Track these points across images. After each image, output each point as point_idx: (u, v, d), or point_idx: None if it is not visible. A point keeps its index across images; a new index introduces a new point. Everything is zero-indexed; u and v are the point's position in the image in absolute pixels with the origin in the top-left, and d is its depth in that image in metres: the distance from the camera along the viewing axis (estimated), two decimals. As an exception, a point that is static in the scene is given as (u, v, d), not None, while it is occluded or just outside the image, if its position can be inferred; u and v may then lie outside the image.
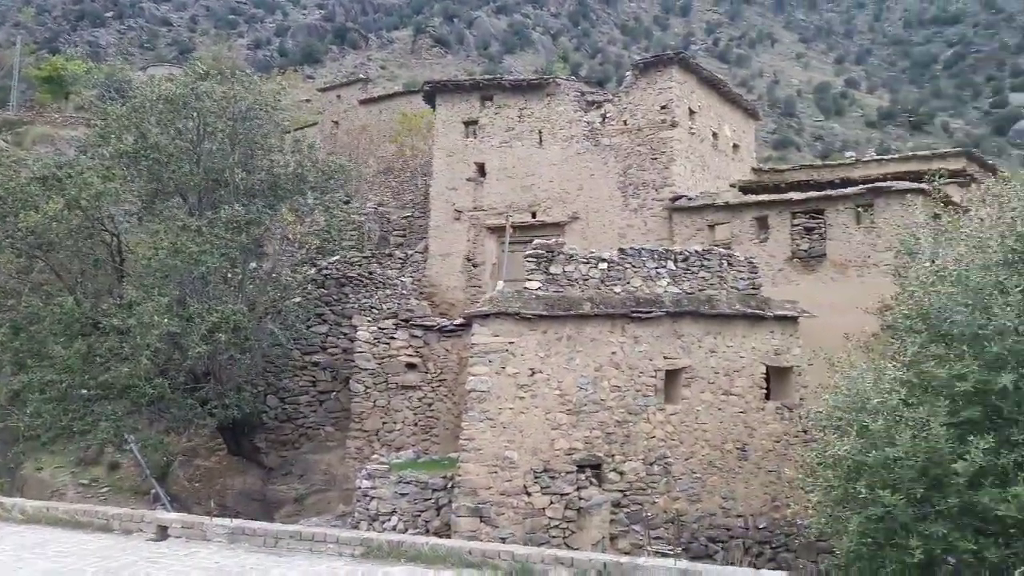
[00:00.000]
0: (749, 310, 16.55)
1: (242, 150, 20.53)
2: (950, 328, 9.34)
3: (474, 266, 26.71)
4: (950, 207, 21.57)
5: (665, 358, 16.06)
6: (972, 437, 8.22)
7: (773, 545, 16.12)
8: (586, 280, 16.00)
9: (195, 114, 19.49)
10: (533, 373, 15.40)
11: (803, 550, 16.21)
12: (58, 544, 10.48)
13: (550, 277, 15.91)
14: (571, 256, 16.09)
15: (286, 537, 10.27)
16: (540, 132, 26.51)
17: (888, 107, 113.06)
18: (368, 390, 21.62)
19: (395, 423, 21.51)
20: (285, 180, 21.11)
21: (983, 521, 8.46)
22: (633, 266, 16.24)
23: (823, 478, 9.58)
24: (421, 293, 26.10)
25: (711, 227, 23.74)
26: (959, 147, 27.53)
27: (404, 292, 24.49)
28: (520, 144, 26.65)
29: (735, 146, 28.85)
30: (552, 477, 15.25)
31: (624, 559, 8.82)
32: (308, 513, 20.92)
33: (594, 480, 15.43)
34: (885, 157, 27.56)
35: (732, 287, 16.78)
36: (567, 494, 15.19)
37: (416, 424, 21.45)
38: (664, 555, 9.30)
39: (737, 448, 16.27)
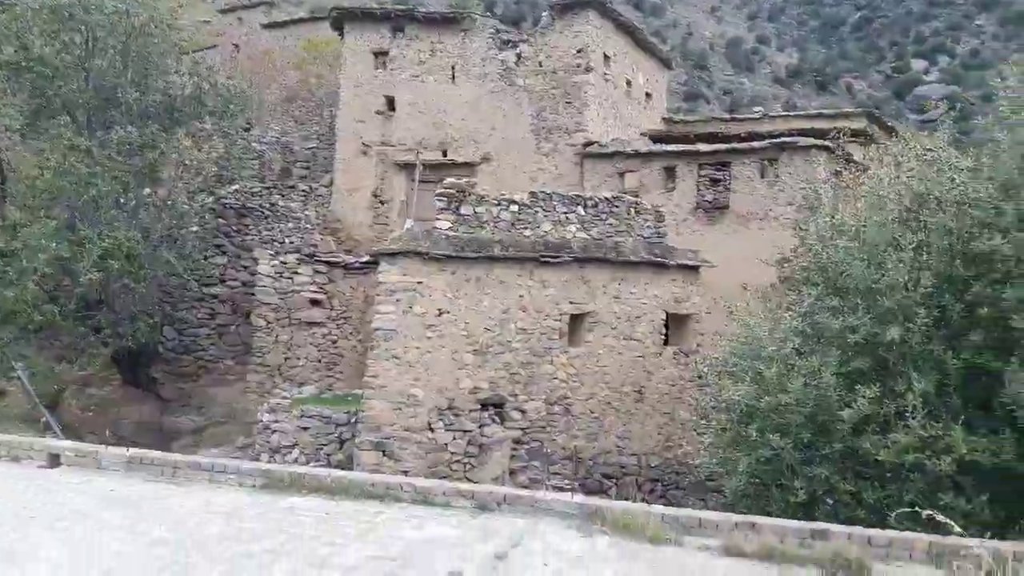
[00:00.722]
0: (654, 258, 16.89)
1: (135, 69, 19.45)
2: (845, 281, 9.76)
3: (381, 203, 26.31)
4: (850, 165, 22.47)
5: (571, 303, 16.28)
6: (859, 386, 8.67)
7: (664, 483, 16.76)
8: (496, 222, 15.99)
9: (83, 27, 18.29)
10: (440, 313, 15.40)
11: (692, 488, 16.90)
12: (-65, 473, 10.03)
13: (460, 218, 15.82)
14: (482, 198, 16.03)
15: (184, 467, 10.06)
16: (453, 68, 26.03)
17: (796, 65, 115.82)
18: (270, 325, 21.22)
19: (298, 359, 21.22)
20: (182, 103, 20.20)
21: (863, 465, 9.00)
22: (544, 210, 16.30)
23: (716, 421, 9.99)
24: (326, 228, 25.56)
25: (621, 175, 23.98)
26: (862, 108, 28.44)
27: (308, 226, 23.94)
28: (432, 79, 26.14)
29: (647, 95, 29.05)
30: (456, 415, 15.40)
31: (524, 492, 9.02)
32: (207, 445, 20.56)
33: (496, 418, 15.66)
34: (791, 114, 28.28)
35: (638, 235, 17.07)
36: (470, 431, 15.38)
37: (320, 361, 21.23)
38: (561, 489, 9.58)
39: (634, 391, 16.73)
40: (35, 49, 17.14)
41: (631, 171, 23.83)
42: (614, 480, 16.35)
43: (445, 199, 15.84)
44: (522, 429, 15.79)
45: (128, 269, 16.84)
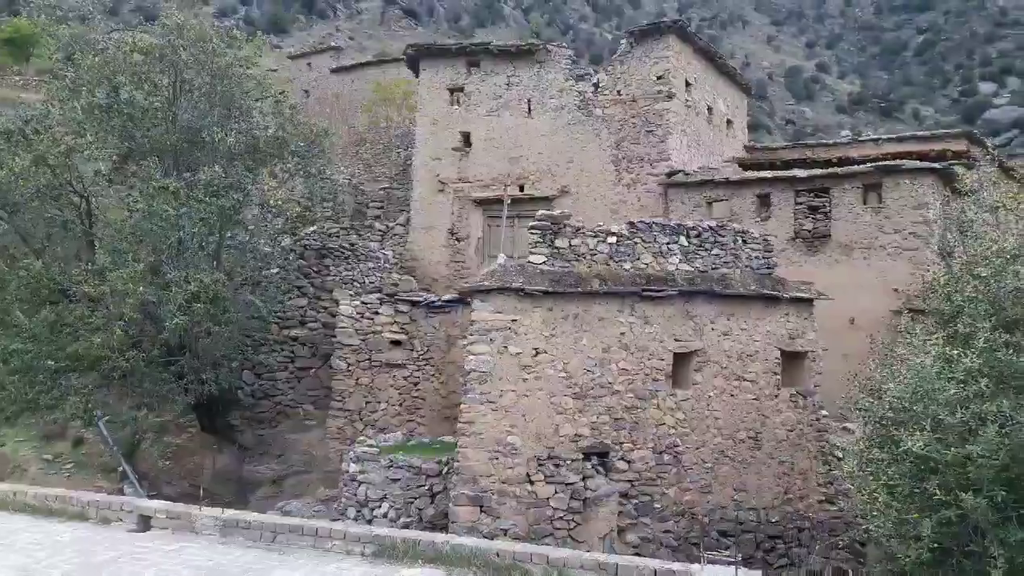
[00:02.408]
0: (764, 291, 15.69)
1: (220, 110, 19.12)
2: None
3: (458, 240, 25.60)
4: (957, 189, 21.01)
5: (676, 340, 15.14)
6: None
7: (786, 540, 15.37)
8: (594, 255, 14.99)
9: (171, 68, 18.02)
10: (537, 353, 14.39)
11: (815, 544, 15.51)
12: (29, 534, 9.31)
13: (555, 251, 14.86)
14: (578, 229, 15.06)
15: (286, 531, 9.21)
16: (529, 101, 25.38)
17: (859, 92, 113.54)
18: (350, 367, 20.46)
19: (379, 403, 20.39)
20: (265, 143, 19.78)
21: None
22: (644, 241, 15.26)
23: (885, 475, 8.72)
24: (403, 267, 24.94)
25: (709, 204, 22.90)
26: (959, 129, 26.92)
27: (386, 266, 23.30)
28: (508, 113, 25.50)
29: (729, 122, 28.01)
30: (556, 465, 14.29)
31: (676, 566, 7.90)
32: (286, 495, 19.78)
33: (600, 469, 14.50)
34: (883, 137, 26.87)
35: (746, 266, 15.90)
36: (572, 483, 14.24)
37: (401, 404, 20.36)
38: (718, 561, 8.45)
39: (750, 437, 15.45)
40: (125, 91, 16.84)
41: (720, 200, 22.72)
42: (732, 538, 15.02)
43: (539, 232, 14.91)
44: (629, 481, 14.60)
45: (213, 313, 16.24)
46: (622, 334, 14.82)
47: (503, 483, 14.03)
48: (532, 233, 14.97)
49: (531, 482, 14.16)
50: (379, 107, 40.65)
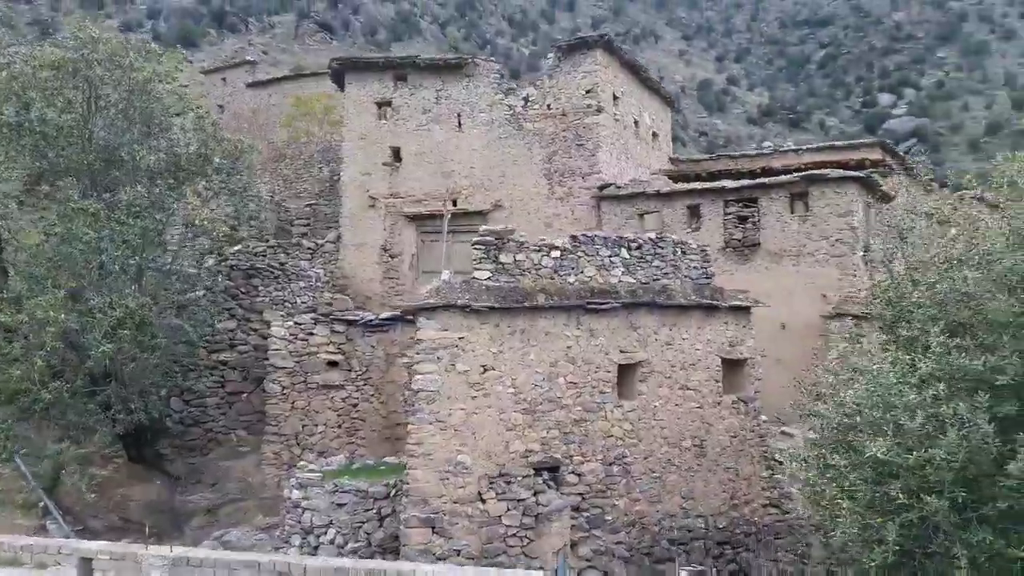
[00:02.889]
0: (704, 301, 15.88)
1: (140, 127, 18.38)
2: (974, 317, 8.76)
3: (391, 257, 25.22)
4: (878, 196, 21.78)
5: (621, 352, 15.18)
6: (1020, 434, 7.61)
7: (733, 545, 15.53)
8: (538, 269, 14.91)
9: (85, 83, 17.20)
10: (485, 370, 14.21)
11: (761, 548, 15.72)
12: (-45, 588, 8.62)
13: (500, 266, 14.73)
14: (522, 244, 14.96)
15: (241, 568, 8.77)
16: (459, 115, 25.25)
17: (768, 104, 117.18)
18: (285, 391, 19.88)
19: (316, 425, 19.86)
20: (187, 161, 19.08)
21: (1028, 524, 7.91)
22: (587, 254, 15.27)
23: (847, 481, 8.82)
24: (334, 285, 24.41)
25: (641, 216, 23.16)
26: (874, 140, 27.95)
27: (318, 284, 22.77)
28: (438, 128, 25.30)
29: (654, 134, 28.44)
30: (508, 482, 14.11)
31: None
32: (223, 524, 19.02)
33: (551, 483, 14.38)
34: (803, 148, 27.65)
35: (686, 276, 16.07)
36: (524, 500, 14.08)
37: (340, 426, 19.88)
38: (694, 572, 8.35)
39: (695, 445, 15.58)
40: (36, 109, 15.97)
41: (652, 212, 23.00)
42: (683, 546, 15.09)
43: (483, 247, 14.75)
44: (580, 494, 14.53)
45: (140, 339, 15.51)
46: (568, 347, 14.77)
47: (454, 503, 13.79)
48: (476, 249, 14.80)
49: (483, 500, 13.95)
50: (299, 122, 39.91)
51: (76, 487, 20.80)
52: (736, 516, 15.77)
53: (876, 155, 25.50)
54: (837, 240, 20.45)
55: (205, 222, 17.70)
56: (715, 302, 15.95)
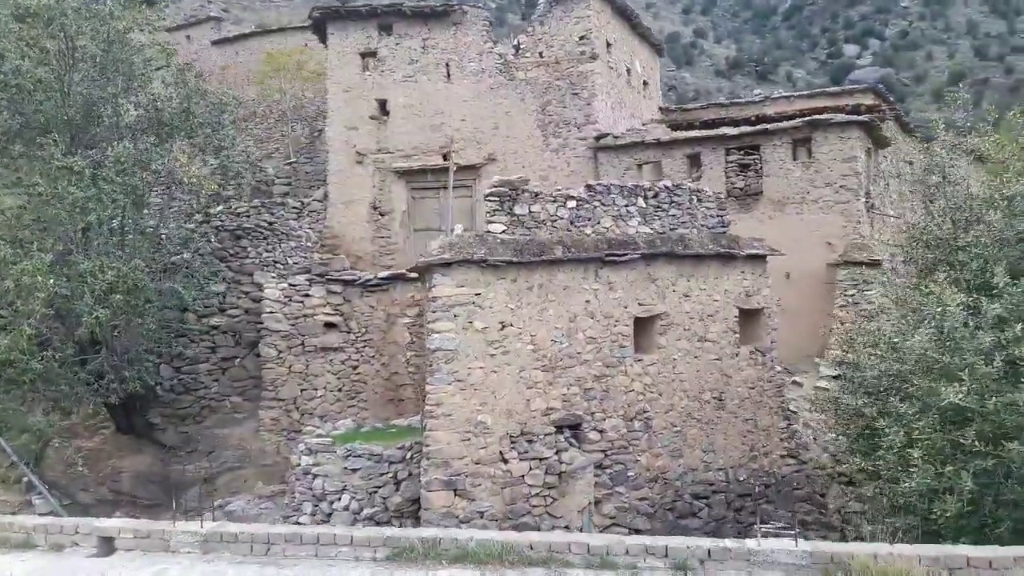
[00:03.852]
0: (722, 250, 15.42)
1: (121, 80, 17.33)
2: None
3: (381, 215, 24.43)
4: (878, 141, 21.42)
5: (640, 304, 14.70)
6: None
7: (754, 497, 15.28)
8: (554, 221, 14.33)
9: (61, 33, 16.07)
10: (503, 327, 13.65)
11: (781, 500, 15.50)
12: (-31, 573, 7.96)
13: (515, 219, 14.11)
14: (537, 195, 14.35)
15: (280, 541, 8.21)
16: (447, 65, 24.36)
17: (735, 57, 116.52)
18: (281, 354, 19.23)
19: (315, 389, 19.28)
20: (171, 116, 18.07)
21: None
22: (603, 204, 14.69)
23: (916, 429, 8.44)
24: (323, 245, 23.62)
25: (639, 166, 22.62)
26: (864, 84, 27.55)
27: (308, 244, 21.98)
28: (426, 79, 24.41)
29: (645, 83, 27.76)
30: (530, 441, 13.66)
31: (732, 544, 7.38)
32: (222, 494, 18.42)
33: (573, 441, 13.97)
34: (794, 95, 27.25)
35: (702, 225, 15.59)
36: (547, 458, 13.65)
37: (340, 390, 19.31)
38: (772, 532, 7.98)
39: (714, 397, 15.23)
40: (10, 61, 14.85)
41: (651, 162, 22.44)
42: (704, 500, 14.80)
43: (497, 199, 14.11)
44: (602, 451, 14.13)
45: (133, 304, 14.69)
46: (587, 301, 14.26)
47: (476, 464, 13.32)
48: (490, 201, 14.17)
49: (505, 460, 13.50)
50: (271, 79, 38.52)
51: (60, 460, 20.09)
52: (755, 468, 15.51)
53: (870, 100, 25.11)
54: (841, 187, 20.09)
55: (193, 179, 16.76)
56: (732, 251, 15.50)
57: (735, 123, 23.55)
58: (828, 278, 19.80)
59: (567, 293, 14.14)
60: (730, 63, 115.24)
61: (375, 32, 24.59)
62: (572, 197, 14.50)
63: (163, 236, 18.01)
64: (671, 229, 15.19)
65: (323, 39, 25.56)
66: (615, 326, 14.45)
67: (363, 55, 24.65)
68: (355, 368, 19.36)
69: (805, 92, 27.49)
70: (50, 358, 14.22)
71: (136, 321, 15.49)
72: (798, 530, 8.32)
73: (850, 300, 18.83)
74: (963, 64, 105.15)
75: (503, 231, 13.98)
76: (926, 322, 8.91)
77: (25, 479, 19.13)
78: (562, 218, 14.37)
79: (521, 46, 23.98)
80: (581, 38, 23.39)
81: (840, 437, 12.83)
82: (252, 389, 20.18)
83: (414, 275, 19.53)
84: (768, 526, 7.50)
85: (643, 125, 25.28)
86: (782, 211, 20.69)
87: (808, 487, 15.99)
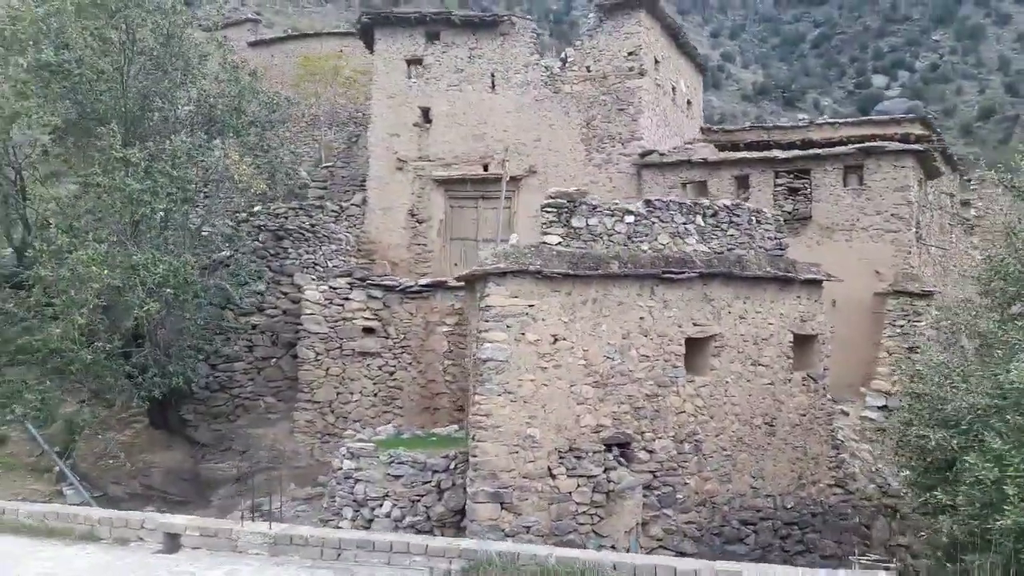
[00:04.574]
0: (779, 273, 15.19)
1: (177, 74, 17.30)
2: None
3: (419, 222, 24.28)
4: (928, 171, 21.16)
5: (695, 325, 14.47)
6: None
7: (801, 526, 14.97)
8: (611, 236, 14.14)
9: (124, 25, 16.05)
10: (555, 340, 13.45)
11: (828, 530, 15.19)
12: (37, 561, 7.78)
13: (572, 231, 13.94)
14: (595, 207, 14.18)
15: (352, 547, 8.00)
16: (493, 76, 24.24)
17: (762, 82, 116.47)
18: (319, 357, 19.08)
19: (351, 393, 19.10)
20: (223, 112, 18.04)
21: None
22: (660, 220, 14.50)
23: (1012, 465, 8.16)
24: (359, 250, 23.53)
25: (684, 185, 22.39)
26: (912, 113, 27.33)
27: (348, 248, 21.89)
28: (471, 88, 24.30)
29: (688, 102, 27.60)
30: (578, 457, 13.43)
31: (824, 573, 7.12)
32: (254, 494, 18.25)
33: (622, 460, 13.71)
34: (839, 121, 27.05)
35: (759, 247, 15.36)
36: (595, 476, 13.40)
37: (376, 395, 19.12)
38: (869, 564, 7.65)
39: (765, 423, 14.95)
40: (77, 48, 14.79)
41: (696, 181, 22.23)
42: (752, 526, 14.51)
43: (554, 210, 13.95)
44: (651, 472, 13.88)
45: (183, 298, 14.57)
46: (641, 319, 14.05)
47: (524, 478, 13.10)
48: (547, 212, 14.01)
49: (552, 476, 13.28)
50: (307, 83, 38.63)
51: (90, 452, 19.96)
52: (803, 496, 15.21)
53: (918, 130, 24.84)
54: (892, 215, 19.81)
55: (244, 177, 16.67)
56: (790, 274, 15.27)
57: (782, 146, 23.31)
58: (875, 307, 19.49)
59: (621, 309, 13.93)
60: (757, 88, 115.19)
61: (422, 39, 24.55)
62: (630, 212, 14.33)
63: (206, 233, 17.92)
64: (728, 249, 14.98)
65: (369, 44, 25.55)
66: (668, 345, 14.23)
67: (409, 62, 24.59)
68: (392, 374, 19.18)
69: (851, 120, 27.31)
70: (99, 349, 14.07)
71: (183, 316, 15.35)
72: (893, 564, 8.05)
73: (899, 331, 18.52)
74: (993, 99, 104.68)
75: (559, 243, 13.81)
76: (1019, 356, 8.65)
77: (57, 469, 19.05)
78: (619, 232, 14.18)
79: (568, 59, 23.86)
80: (630, 54, 23.25)
81: (903, 470, 12.51)
82: (287, 390, 20.04)
83: (454, 284, 19.45)
84: (865, 558, 7.19)
85: (687, 144, 25.08)
86: (830, 237, 20.41)
87: (854, 518, 15.67)
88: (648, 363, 14.02)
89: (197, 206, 18.10)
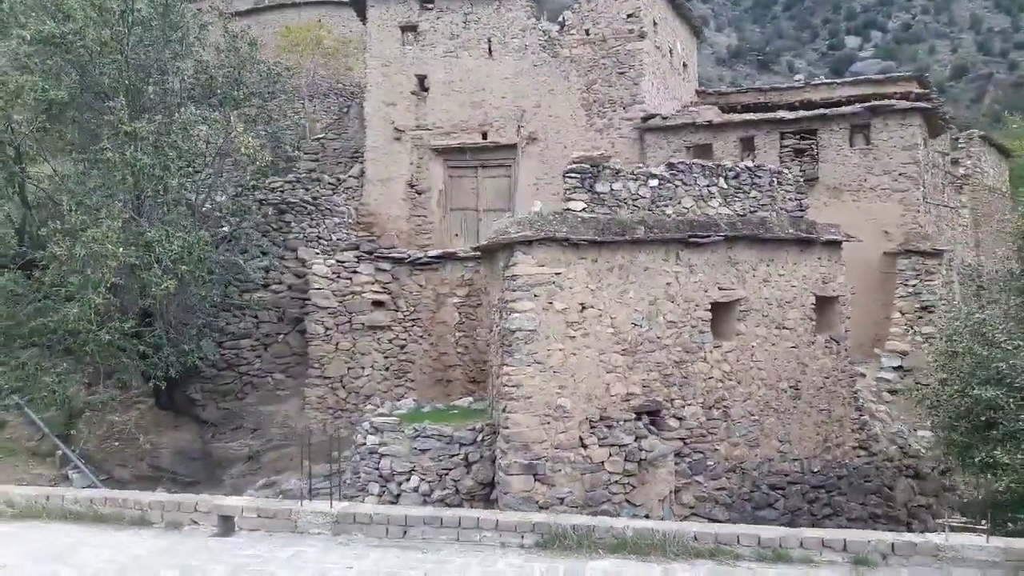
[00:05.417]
0: (801, 234, 15.07)
1: (174, 46, 16.71)
2: None
3: (418, 193, 23.86)
4: (932, 130, 21.09)
5: (720, 289, 14.33)
6: None
7: (827, 489, 15.00)
8: (635, 200, 13.90)
9: (117, -1, 15.40)
10: (583, 308, 13.24)
11: (853, 492, 15.24)
12: (92, 549, 7.51)
13: (596, 197, 13.67)
14: (618, 172, 13.91)
15: (419, 524, 7.80)
16: (490, 41, 23.74)
17: (736, 46, 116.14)
18: (328, 331, 18.78)
19: (362, 368, 18.85)
20: (223, 83, 17.48)
21: None
22: (684, 184, 14.29)
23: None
24: (359, 223, 23.07)
25: (688, 148, 22.15)
26: (910, 72, 27.24)
27: (350, 220, 21.48)
28: (467, 54, 23.80)
29: (684, 65, 27.30)
30: (609, 426, 13.28)
31: (915, 537, 7.03)
32: (266, 472, 18.05)
33: (652, 428, 13.60)
34: (836, 81, 26.93)
35: (781, 208, 15.21)
36: (626, 445, 13.28)
37: (387, 369, 18.89)
38: (959, 527, 7.59)
39: (791, 386, 14.90)
40: (77, 21, 14.16)
41: (702, 144, 22.01)
42: (780, 491, 14.50)
43: (577, 176, 13.67)
44: (681, 439, 13.77)
45: (198, 275, 14.16)
46: (668, 284, 13.88)
47: (556, 448, 12.94)
48: (570, 178, 13.72)
49: (584, 446, 13.12)
50: (288, 53, 37.75)
51: (93, 435, 19.57)
52: (829, 459, 15.23)
53: (916, 88, 24.75)
54: (900, 175, 19.76)
55: (249, 150, 16.18)
56: (811, 236, 15.16)
57: (782, 108, 23.12)
58: (885, 267, 19.48)
59: (648, 275, 13.74)
60: (732, 52, 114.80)
61: (416, 5, 23.95)
62: (654, 175, 14.10)
63: (210, 208, 17.46)
64: (751, 211, 14.82)
65: (360, 12, 24.90)
66: (695, 310, 14.09)
67: (403, 28, 24.01)
68: (403, 347, 18.94)
69: (848, 79, 27.22)
70: (116, 329, 13.65)
71: (198, 294, 14.94)
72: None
73: (911, 290, 18.54)
74: (966, 59, 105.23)
75: (583, 209, 13.55)
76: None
77: (60, 452, 18.66)
78: (643, 197, 13.95)
79: (567, 22, 23.43)
80: (629, 16, 22.86)
81: (939, 430, 12.52)
82: (295, 366, 19.73)
83: (464, 254, 19.17)
84: (953, 520, 7.14)
85: (688, 107, 24.84)
86: (838, 198, 20.33)
87: (877, 479, 15.73)
88: (675, 329, 13.88)
89: (206, 180, 17.61)
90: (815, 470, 14.98)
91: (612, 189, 13.78)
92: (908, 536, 7.10)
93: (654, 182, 14.02)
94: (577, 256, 13.24)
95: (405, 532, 7.75)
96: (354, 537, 7.77)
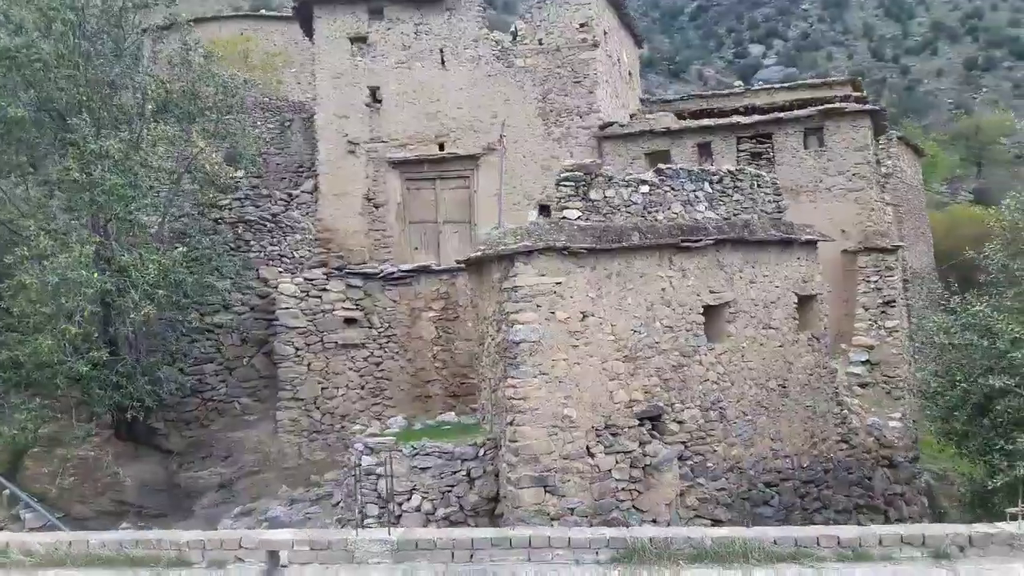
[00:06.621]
0: (783, 235, 15.36)
1: (126, 61, 15.96)
2: None
3: (376, 207, 23.40)
4: (880, 129, 21.87)
5: (711, 292, 14.46)
6: None
7: (816, 484, 15.28)
8: (628, 207, 13.91)
9: (71, 8, 14.59)
10: (584, 317, 13.16)
11: (838, 485, 15.58)
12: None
13: (590, 204, 13.63)
14: (610, 179, 13.90)
15: (487, 546, 7.51)
16: (442, 51, 23.52)
17: (648, 56, 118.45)
18: (299, 352, 18.23)
19: (336, 388, 18.38)
20: (179, 98, 16.78)
21: None
22: (672, 189, 14.38)
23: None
24: (316, 239, 22.48)
25: (647, 155, 22.39)
26: (847, 76, 28.21)
27: (311, 237, 20.90)
28: (420, 65, 23.51)
29: (630, 74, 27.65)
30: (614, 434, 13.22)
31: (989, 527, 7.15)
32: (242, 500, 17.32)
33: (655, 433, 13.61)
34: (776, 86, 27.65)
35: (762, 211, 15.48)
36: (631, 451, 13.25)
37: (363, 388, 18.45)
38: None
39: (779, 385, 15.15)
40: (27, 33, 13.30)
41: (659, 151, 22.26)
42: (775, 488, 14.69)
43: (572, 183, 13.60)
44: (682, 443, 13.80)
45: (177, 300, 13.48)
46: (663, 289, 13.92)
47: (564, 459, 12.81)
48: (564, 186, 13.63)
49: (591, 455, 13.03)
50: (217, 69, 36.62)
51: (42, 473, 18.43)
52: (816, 454, 15.52)
53: (849, 91, 25.65)
54: (854, 175, 20.39)
55: (215, 166, 15.53)
56: (792, 236, 15.47)
57: (741, 112, 23.56)
58: (845, 265, 20.05)
59: (644, 281, 13.77)
60: (644, 61, 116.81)
61: (365, 16, 23.56)
62: (644, 181, 14.14)
63: (173, 228, 16.71)
64: (735, 215, 15.02)
65: (305, 25, 24.38)
66: (689, 314, 14.17)
67: (352, 40, 23.56)
68: (378, 365, 18.51)
69: (786, 84, 27.97)
70: (93, 360, 12.84)
71: (175, 318, 14.23)
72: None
73: (873, 286, 19.12)
74: (861, 64, 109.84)
75: (578, 217, 13.49)
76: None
77: (6, 492, 17.52)
78: (635, 203, 13.97)
79: (519, 32, 23.42)
80: (582, 25, 23.02)
81: (937, 421, 12.89)
82: (263, 389, 19.07)
83: (438, 268, 18.88)
84: (1018, 508, 7.32)
85: (645, 114, 25.08)
86: (796, 200, 20.75)
87: (858, 471, 16.13)
88: (672, 333, 13.93)
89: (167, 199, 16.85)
90: (804, 465, 15.24)
91: (606, 196, 13.76)
92: (981, 527, 7.23)
93: (645, 188, 14.07)
94: (576, 264, 13.16)
95: (472, 555, 7.47)
96: (418, 563, 7.43)
